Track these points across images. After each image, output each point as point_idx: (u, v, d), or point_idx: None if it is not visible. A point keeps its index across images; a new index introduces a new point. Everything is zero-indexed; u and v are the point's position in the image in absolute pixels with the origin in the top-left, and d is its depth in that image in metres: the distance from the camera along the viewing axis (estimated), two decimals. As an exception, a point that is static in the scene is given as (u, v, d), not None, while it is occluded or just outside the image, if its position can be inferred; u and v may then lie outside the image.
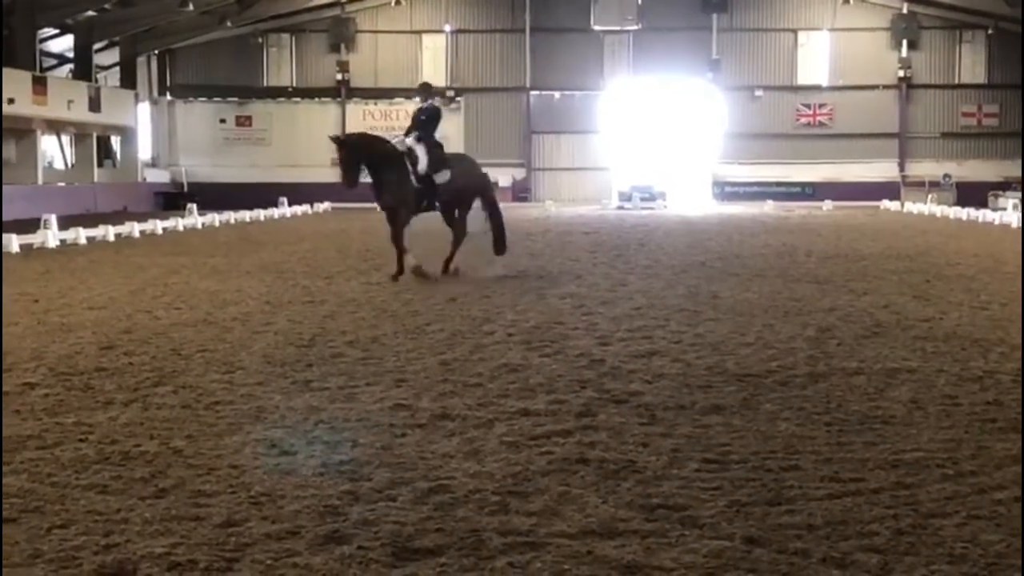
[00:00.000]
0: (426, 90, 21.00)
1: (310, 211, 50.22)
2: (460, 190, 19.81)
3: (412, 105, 59.68)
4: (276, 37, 62.20)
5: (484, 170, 21.09)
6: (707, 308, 15.35)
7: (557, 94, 61.42)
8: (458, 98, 61.12)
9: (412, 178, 19.38)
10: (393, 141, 19.95)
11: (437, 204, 19.80)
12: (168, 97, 62.29)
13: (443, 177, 19.56)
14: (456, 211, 19.98)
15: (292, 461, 7.36)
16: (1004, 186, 54.71)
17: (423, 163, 19.43)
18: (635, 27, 60.42)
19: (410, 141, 19.66)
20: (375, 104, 61.14)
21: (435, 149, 19.79)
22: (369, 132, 21.54)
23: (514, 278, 19.42)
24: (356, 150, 19.66)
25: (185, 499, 6.53)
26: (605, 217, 44.73)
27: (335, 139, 20.30)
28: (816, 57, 61.02)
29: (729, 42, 60.77)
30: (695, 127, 58.94)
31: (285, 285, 18.48)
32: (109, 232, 31.19)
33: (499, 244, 20.18)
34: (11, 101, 43.76)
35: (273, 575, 5.40)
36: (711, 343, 12.24)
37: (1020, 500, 6.45)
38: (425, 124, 19.95)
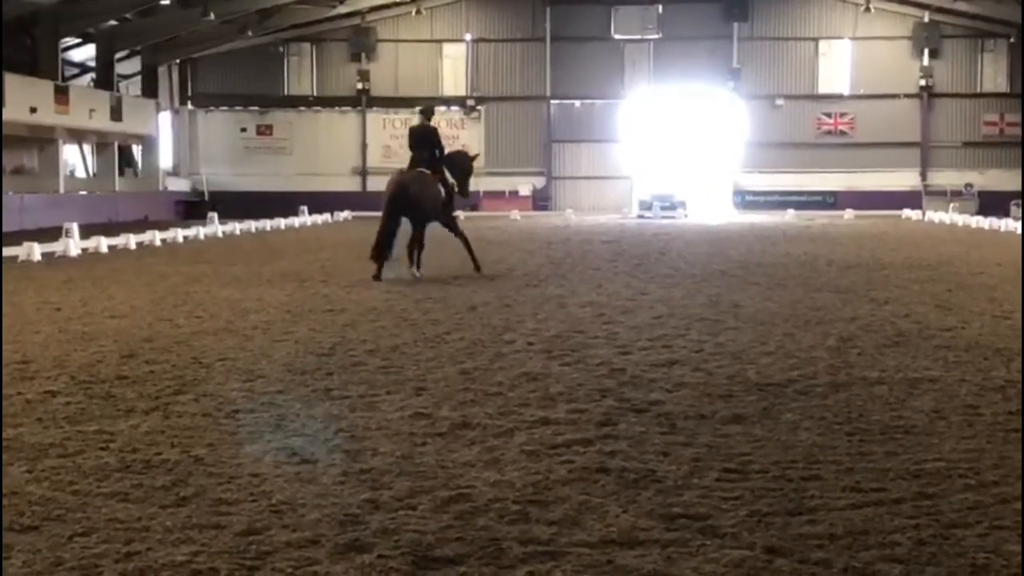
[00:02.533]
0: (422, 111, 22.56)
1: (330, 220, 50.35)
2: None
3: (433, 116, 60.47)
4: (297, 46, 62.34)
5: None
6: (728, 317, 15.32)
7: (577, 103, 61.44)
8: (478, 107, 61.22)
9: None
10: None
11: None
12: (189, 106, 62.52)
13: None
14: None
15: (313, 470, 7.37)
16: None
17: None
18: (656, 36, 60.40)
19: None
20: (395, 113, 61.22)
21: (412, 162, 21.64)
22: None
23: (535, 287, 19.43)
24: None
25: (206, 507, 6.54)
26: (625, 226, 44.70)
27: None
28: (837, 66, 60.87)
29: (750, 51, 60.69)
30: (716, 136, 58.91)
31: (306, 294, 18.52)
32: (130, 241, 31.32)
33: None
34: (33, 110, 44.00)
35: (293, 584, 5.41)
36: (732, 352, 12.22)
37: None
38: (413, 144, 21.93)
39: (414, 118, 59.32)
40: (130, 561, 5.65)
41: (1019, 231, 37.62)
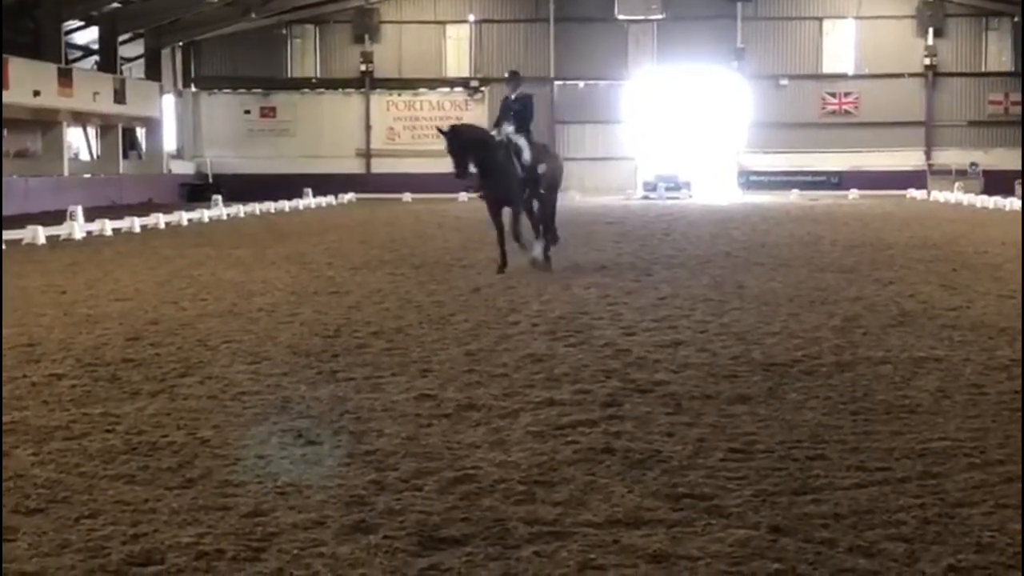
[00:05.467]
0: (515, 78, 20.58)
1: (334, 202, 50.30)
2: (552, 180, 19.92)
3: (436, 96, 60.43)
4: (300, 28, 62.25)
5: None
6: (732, 298, 15.32)
7: (581, 84, 61.30)
8: (482, 88, 61.10)
9: (519, 168, 19.14)
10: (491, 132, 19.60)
11: (540, 194, 19.66)
12: (193, 88, 62.43)
13: (543, 168, 19.44)
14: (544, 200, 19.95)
15: (318, 451, 7.38)
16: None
17: (527, 154, 19.16)
18: (659, 16, 60.24)
19: (509, 131, 19.22)
20: (399, 95, 61.18)
21: (534, 140, 19.59)
22: (470, 123, 20.88)
23: (539, 269, 19.39)
24: (462, 139, 19.06)
25: (212, 489, 6.55)
26: (630, 207, 44.67)
27: (441, 130, 19.95)
28: (841, 45, 60.71)
29: (754, 31, 60.54)
30: (720, 116, 58.83)
31: (310, 276, 18.52)
32: (135, 223, 31.30)
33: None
34: (37, 93, 43.96)
35: (300, 565, 5.41)
36: (736, 333, 12.22)
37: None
38: (520, 114, 19.47)
39: (428, 96, 58.31)
40: (137, 543, 5.66)
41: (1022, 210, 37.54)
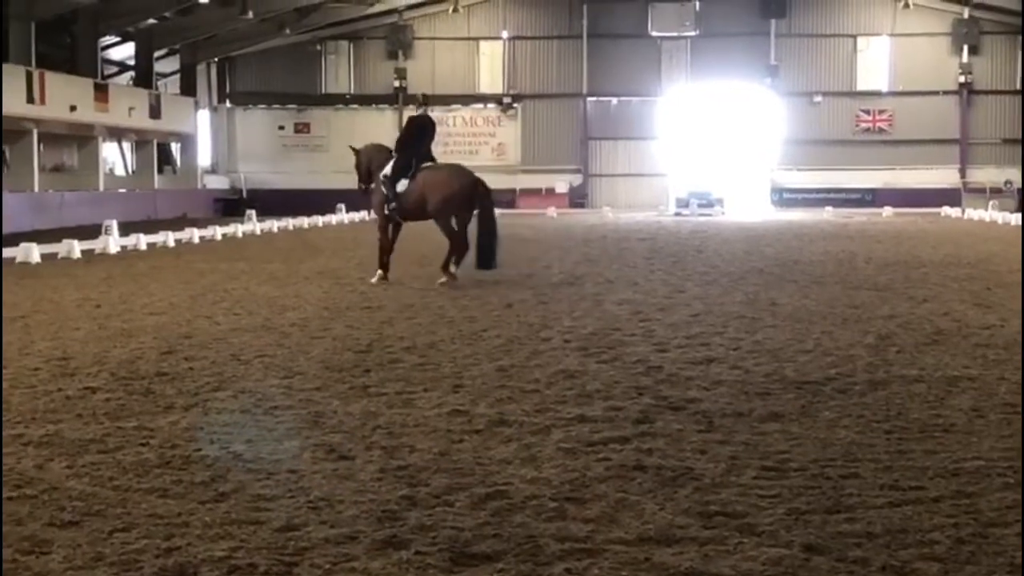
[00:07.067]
0: (415, 101, 21.46)
1: (367, 217, 50.36)
2: (420, 200, 19.38)
3: (469, 111, 60.60)
4: (334, 44, 62.55)
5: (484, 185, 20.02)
6: (765, 315, 15.27)
7: (614, 100, 61.36)
8: (515, 105, 61.22)
9: (383, 186, 19.77)
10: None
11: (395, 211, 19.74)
12: (227, 104, 62.81)
13: (401, 186, 19.59)
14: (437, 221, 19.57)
15: (350, 466, 7.39)
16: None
17: (387, 169, 19.77)
18: (693, 33, 60.25)
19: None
20: (432, 111, 61.21)
21: (406, 156, 19.78)
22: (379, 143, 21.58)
23: (571, 284, 19.41)
24: (363, 158, 20.56)
25: (245, 503, 6.57)
26: (662, 223, 44.61)
27: (352, 148, 21.26)
28: (876, 62, 60.58)
29: (788, 48, 60.47)
30: (753, 133, 58.83)
31: (343, 291, 18.57)
32: (169, 238, 31.47)
33: (481, 257, 19.36)
34: (73, 108, 44.31)
35: (331, 579, 5.43)
36: (769, 350, 12.18)
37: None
38: (414, 136, 20.24)
39: (461, 112, 58.22)
40: (170, 556, 5.69)
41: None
